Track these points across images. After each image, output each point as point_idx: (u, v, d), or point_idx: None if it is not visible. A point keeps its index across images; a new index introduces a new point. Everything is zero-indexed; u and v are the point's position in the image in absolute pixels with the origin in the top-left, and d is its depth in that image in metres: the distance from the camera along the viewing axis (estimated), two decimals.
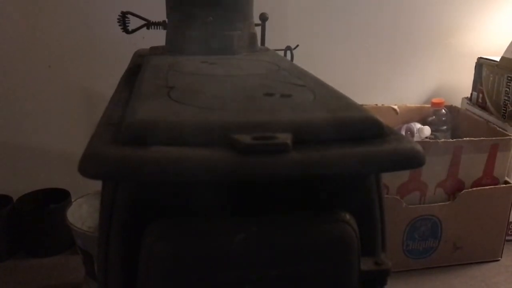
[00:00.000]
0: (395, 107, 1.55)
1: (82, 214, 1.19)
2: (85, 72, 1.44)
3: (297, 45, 1.06)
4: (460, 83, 1.68)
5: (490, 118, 1.46)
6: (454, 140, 1.26)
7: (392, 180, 1.24)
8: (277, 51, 0.96)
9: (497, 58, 1.47)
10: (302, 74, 0.64)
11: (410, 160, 0.41)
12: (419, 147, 0.41)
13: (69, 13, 1.38)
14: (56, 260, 1.36)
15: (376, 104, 1.54)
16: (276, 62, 0.74)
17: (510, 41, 1.42)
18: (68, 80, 1.43)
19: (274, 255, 0.43)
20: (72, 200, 1.28)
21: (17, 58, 1.39)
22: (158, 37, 0.94)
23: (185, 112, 0.44)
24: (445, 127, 1.51)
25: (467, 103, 1.61)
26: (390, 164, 0.40)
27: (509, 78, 1.40)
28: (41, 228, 1.35)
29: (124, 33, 0.94)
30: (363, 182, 0.46)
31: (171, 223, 0.42)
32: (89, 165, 0.38)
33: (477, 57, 1.57)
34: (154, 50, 0.90)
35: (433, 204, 1.27)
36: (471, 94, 1.61)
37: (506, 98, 1.42)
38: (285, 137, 0.39)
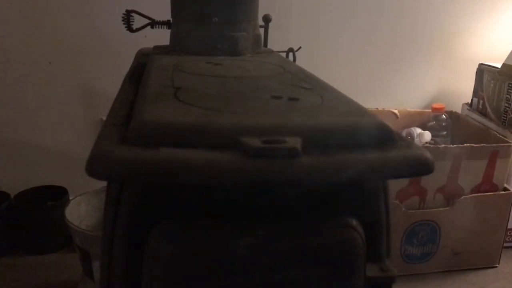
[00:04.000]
0: (396, 111, 1.55)
1: (81, 212, 1.18)
2: (86, 69, 1.43)
3: (300, 47, 1.06)
4: (460, 89, 1.69)
5: (490, 125, 1.46)
6: (454, 146, 1.26)
7: (391, 184, 1.23)
8: (279, 53, 0.96)
9: (498, 65, 1.47)
10: (308, 77, 0.64)
11: (420, 167, 0.40)
12: (428, 154, 0.41)
13: (70, 10, 1.37)
14: (53, 257, 1.35)
15: (377, 108, 1.53)
16: (281, 64, 0.73)
17: (511, 48, 1.42)
18: (69, 77, 1.43)
19: (280, 259, 0.42)
20: (70, 197, 1.27)
21: (18, 54, 1.38)
22: (160, 36, 0.94)
23: (193, 113, 0.44)
24: (445, 132, 1.51)
25: (468, 109, 1.61)
26: (399, 171, 0.40)
27: (510, 85, 1.40)
28: (38, 225, 1.34)
29: (125, 31, 0.93)
30: (371, 188, 0.46)
31: (176, 225, 0.42)
32: (96, 166, 0.37)
33: (478, 63, 1.57)
34: (158, 49, 0.89)
35: (432, 210, 1.27)
36: (472, 100, 1.61)
37: (507, 105, 1.42)
38: (295, 142, 0.39)
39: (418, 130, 1.46)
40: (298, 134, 0.40)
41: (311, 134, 0.41)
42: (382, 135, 0.42)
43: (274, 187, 0.42)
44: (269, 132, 0.40)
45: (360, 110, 0.47)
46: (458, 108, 1.64)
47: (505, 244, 1.39)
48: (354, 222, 0.43)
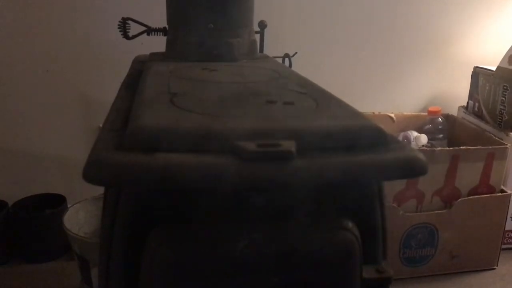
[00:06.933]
0: (392, 115, 1.56)
1: (79, 219, 1.18)
2: (83, 77, 1.44)
3: (295, 53, 1.06)
4: (456, 92, 1.70)
5: (486, 127, 1.47)
6: (451, 148, 1.27)
7: (389, 187, 1.24)
8: (275, 58, 0.96)
9: (493, 68, 1.48)
10: (303, 81, 0.65)
11: (413, 168, 0.41)
12: (421, 156, 0.41)
13: (67, 18, 1.38)
14: (51, 265, 1.35)
15: (373, 112, 1.54)
16: (276, 69, 0.74)
17: (506, 51, 1.43)
18: (66, 85, 1.43)
19: (277, 262, 0.43)
20: (68, 205, 1.27)
21: (15, 62, 1.38)
22: (156, 43, 0.95)
23: (189, 118, 0.44)
24: (441, 135, 1.52)
25: (464, 111, 1.62)
26: (393, 172, 0.41)
27: (505, 87, 1.41)
28: (37, 234, 1.34)
29: (122, 39, 0.94)
30: (366, 189, 0.46)
31: (174, 230, 0.42)
32: (93, 171, 0.38)
33: (473, 66, 1.58)
34: (154, 56, 0.90)
35: (429, 212, 1.28)
36: (468, 103, 1.62)
37: (502, 107, 1.43)
38: (289, 145, 0.39)
39: (415, 134, 1.46)
40: (292, 138, 0.40)
41: (306, 137, 0.41)
42: (376, 137, 0.43)
43: (269, 190, 0.43)
44: (264, 136, 0.40)
45: (354, 113, 0.48)
46: (454, 111, 1.65)
47: (503, 246, 1.40)
48: (350, 224, 0.44)
